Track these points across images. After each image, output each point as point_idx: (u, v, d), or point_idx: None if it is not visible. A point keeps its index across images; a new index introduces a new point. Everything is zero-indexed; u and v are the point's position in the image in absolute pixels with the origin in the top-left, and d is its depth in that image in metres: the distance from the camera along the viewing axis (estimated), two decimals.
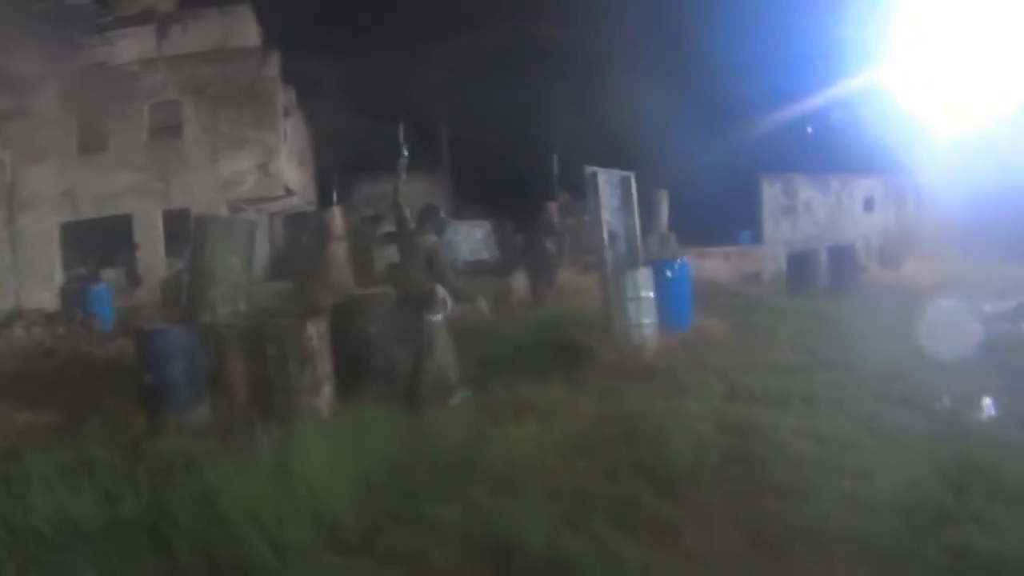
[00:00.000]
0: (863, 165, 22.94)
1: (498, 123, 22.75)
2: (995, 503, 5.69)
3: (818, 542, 5.29)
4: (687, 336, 12.21)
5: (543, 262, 16.92)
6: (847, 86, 21.35)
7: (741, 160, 21.62)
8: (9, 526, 5.71)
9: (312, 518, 5.74)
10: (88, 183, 23.90)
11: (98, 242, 24.73)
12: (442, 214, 10.14)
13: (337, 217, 15.58)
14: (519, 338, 11.57)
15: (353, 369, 9.13)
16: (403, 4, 26.48)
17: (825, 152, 21.42)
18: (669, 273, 12.76)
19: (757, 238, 22.60)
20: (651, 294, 11.82)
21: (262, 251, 13.96)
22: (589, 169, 12.26)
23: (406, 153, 14.57)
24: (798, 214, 22.42)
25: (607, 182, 12.55)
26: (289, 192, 22.41)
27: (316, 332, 8.68)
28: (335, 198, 23.17)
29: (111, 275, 23.40)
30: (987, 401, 8.62)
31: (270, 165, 22.84)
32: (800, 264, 18.02)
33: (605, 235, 12.08)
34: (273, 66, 24.69)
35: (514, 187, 21.65)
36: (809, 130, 22.00)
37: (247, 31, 25.52)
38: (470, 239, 21.34)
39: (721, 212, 22.79)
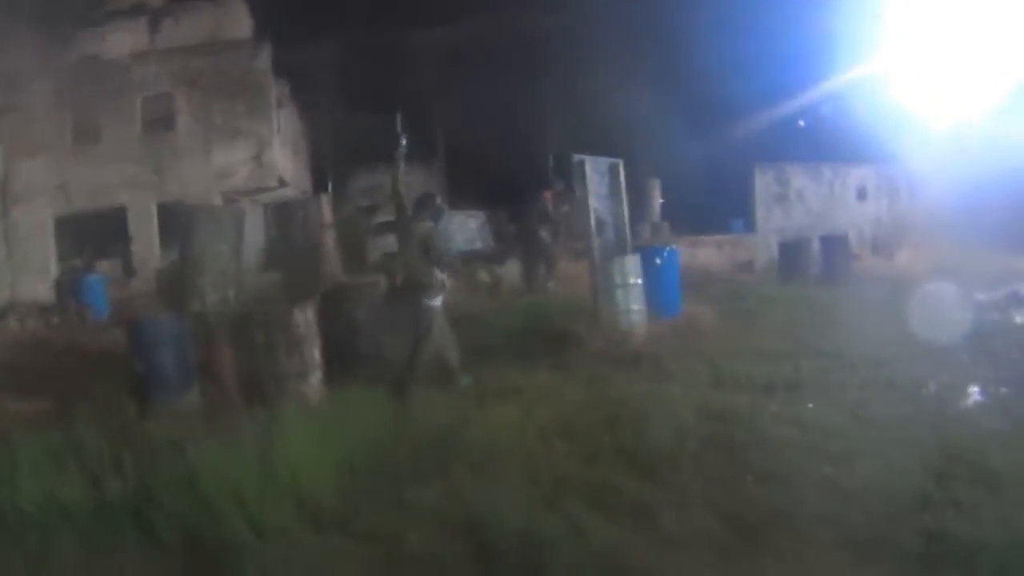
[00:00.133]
0: (856, 154, 22.93)
1: (492, 113, 22.81)
2: (976, 489, 5.71)
3: (794, 526, 5.35)
4: (676, 323, 12.27)
5: (538, 250, 16.99)
6: (841, 75, 21.36)
7: (734, 149, 21.65)
8: None
9: (293, 499, 5.81)
10: (82, 176, 23.97)
11: (93, 234, 24.80)
12: (438, 201, 10.22)
13: (324, 206, 15.63)
14: (508, 325, 11.62)
15: (342, 356, 9.20)
16: None
17: (818, 141, 21.50)
18: (657, 260, 12.83)
19: (750, 227, 22.67)
20: (639, 281, 11.89)
21: (256, 241, 14.06)
22: (576, 157, 12.33)
23: (404, 142, 14.63)
24: (791, 203, 22.50)
25: (595, 170, 12.62)
26: (283, 183, 22.52)
27: (304, 319, 8.76)
28: (328, 188, 23.17)
29: (106, 267, 23.49)
30: (973, 388, 8.62)
31: (264, 156, 22.93)
32: (792, 253, 18.09)
33: (592, 223, 12.15)
34: (265, 57, 24.74)
35: (509, 176, 21.69)
36: (801, 123, 22.01)
37: (239, 23, 25.57)
38: (464, 229, 21.38)
39: (714, 201, 22.84)
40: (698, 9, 21.12)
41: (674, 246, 14.60)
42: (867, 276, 18.00)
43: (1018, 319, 12.85)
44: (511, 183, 21.46)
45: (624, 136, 21.25)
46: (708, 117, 20.95)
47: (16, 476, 6.14)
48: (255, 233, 13.21)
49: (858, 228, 22.14)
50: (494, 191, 23.03)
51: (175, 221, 11.43)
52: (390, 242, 17.47)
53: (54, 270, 23.51)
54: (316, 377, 8.75)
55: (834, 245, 18.60)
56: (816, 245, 18.47)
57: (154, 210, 23.72)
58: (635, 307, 11.73)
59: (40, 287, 21.07)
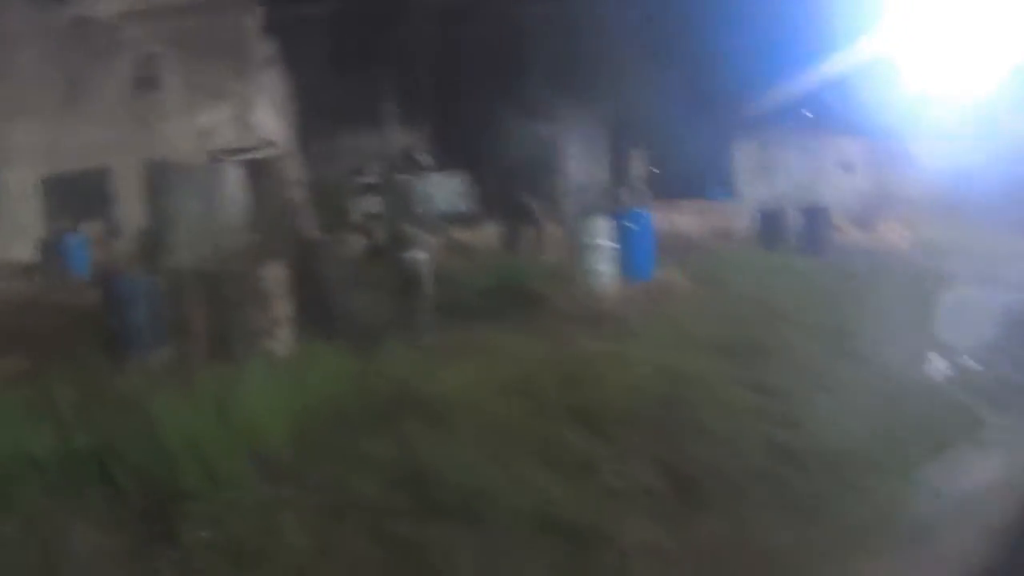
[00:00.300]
0: (843, 126, 22.81)
1: (481, 74, 22.71)
2: (923, 454, 5.89)
3: (733, 484, 5.50)
4: (648, 286, 12.37)
5: (523, 212, 17.02)
6: (831, 46, 21.18)
7: (719, 117, 21.61)
8: None
9: (249, 450, 5.95)
10: (68, 137, 23.86)
11: (79, 195, 24.77)
12: (419, 157, 10.29)
13: (295, 164, 15.67)
14: (481, 285, 11.66)
15: (314, 312, 9.32)
16: None
17: (805, 112, 21.38)
18: (631, 224, 12.89)
19: (731, 195, 22.71)
20: (611, 243, 11.98)
21: (235, 199, 14.14)
22: (549, 123, 12.44)
23: (388, 109, 14.67)
24: (773, 172, 22.53)
25: (572, 135, 12.73)
26: (268, 142, 22.52)
27: (272, 277, 8.89)
28: (311, 147, 23.10)
29: (92, 228, 23.50)
30: (934, 359, 8.79)
31: (249, 116, 22.90)
32: (771, 222, 18.21)
33: (567, 186, 12.28)
34: (253, 17, 24.64)
35: (495, 139, 21.65)
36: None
37: None
38: (448, 190, 21.42)
39: (698, 168, 22.82)
40: None
41: (649, 210, 14.66)
42: (846, 248, 18.05)
43: (987, 293, 12.92)
44: (498, 145, 21.44)
45: (610, 101, 21.24)
46: (694, 84, 20.85)
47: None
48: (234, 192, 13.28)
49: (842, 200, 22.11)
50: (481, 153, 23.01)
51: (154, 181, 11.56)
52: (374, 202, 17.52)
53: (39, 231, 23.50)
54: (285, 333, 8.87)
55: (815, 216, 18.67)
56: (797, 215, 18.57)
57: (139, 171, 23.67)
58: (606, 268, 11.82)
59: (25, 248, 21.08)
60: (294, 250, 10.04)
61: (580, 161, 13.32)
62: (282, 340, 8.81)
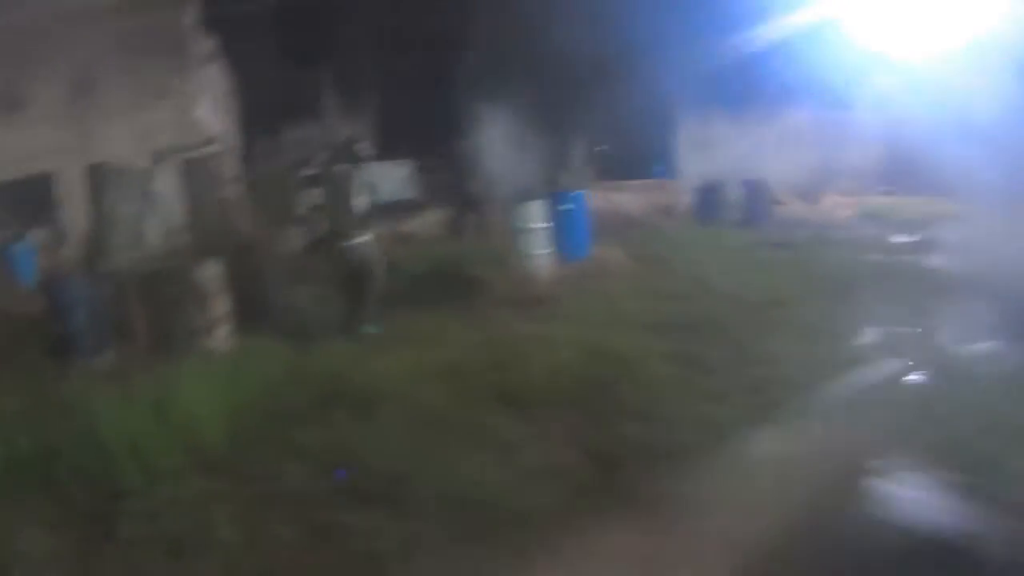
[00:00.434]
0: (787, 99, 22.93)
1: (423, 64, 22.83)
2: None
3: (654, 459, 5.71)
4: (584, 265, 12.65)
5: (466, 199, 17.19)
6: (773, 16, 21.17)
7: (660, 95, 21.80)
8: None
9: (186, 446, 6.16)
10: (8, 144, 23.72)
11: (24, 202, 24.63)
12: (357, 146, 10.40)
13: (230, 161, 15.73)
14: (420, 272, 11.88)
15: (253, 308, 9.50)
16: None
17: (746, 86, 21.53)
18: (566, 205, 13.14)
19: (673, 172, 23.00)
20: (545, 225, 12.21)
21: (175, 199, 14.19)
22: (478, 108, 12.61)
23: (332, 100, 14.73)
24: (713, 148, 22.79)
25: (498, 119, 12.91)
26: (211, 140, 22.52)
27: (209, 275, 9.06)
28: (255, 142, 23.12)
29: (38, 235, 23.40)
30: (866, 328, 8.95)
31: (190, 114, 22.87)
32: (708, 196, 18.51)
33: (498, 170, 12.47)
34: (192, 13, 24.56)
35: (441, 124, 21.80)
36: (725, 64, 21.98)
37: None
38: (392, 178, 21.58)
39: (640, 148, 23.06)
40: None
41: (586, 191, 14.88)
42: (788, 220, 18.40)
43: (927, 260, 13.18)
44: (441, 131, 21.59)
45: (551, 84, 21.43)
46: (634, 64, 21.00)
47: None
48: (172, 192, 13.38)
49: (785, 173, 22.37)
50: (425, 139, 23.14)
51: (94, 184, 11.64)
52: (317, 194, 17.58)
53: None
54: (224, 330, 9.06)
55: (755, 189, 18.96)
56: (734, 189, 18.81)
57: (82, 175, 23.53)
58: (541, 251, 12.05)
59: None
60: (231, 248, 10.16)
61: (520, 146, 13.50)
62: (221, 337, 8.99)
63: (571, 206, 13.15)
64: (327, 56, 24.03)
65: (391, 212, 17.77)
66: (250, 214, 12.99)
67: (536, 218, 12.13)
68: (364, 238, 9.74)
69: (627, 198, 20.66)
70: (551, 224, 12.34)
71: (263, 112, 24.78)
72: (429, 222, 17.75)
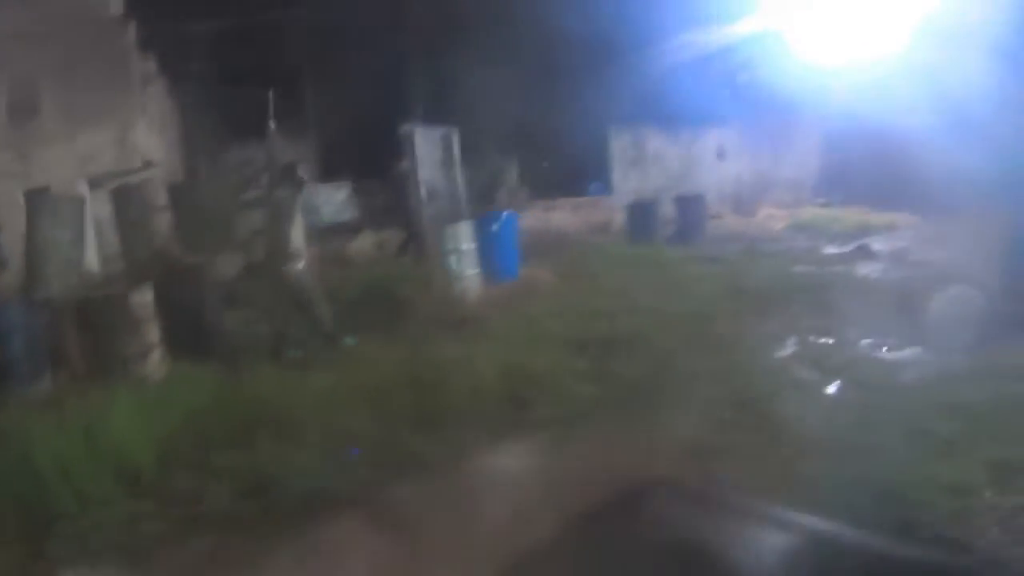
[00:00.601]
0: (722, 114, 23.10)
1: (362, 86, 23.07)
2: (755, 437, 6.46)
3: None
4: (513, 286, 12.94)
5: (408, 220, 17.36)
6: (705, 32, 21.31)
7: (594, 114, 22.11)
8: None
9: (115, 470, 6.47)
10: None
11: None
12: (299, 172, 10.63)
13: (157, 188, 15.88)
14: (350, 295, 11.93)
15: (184, 334, 9.71)
16: None
17: (677, 102, 21.75)
18: (494, 226, 13.48)
19: (607, 189, 23.40)
20: (472, 247, 12.54)
21: (108, 225, 14.29)
22: (405, 127, 12.81)
23: (273, 123, 14.95)
24: (647, 165, 23.27)
25: (426, 139, 13.12)
26: (149, 164, 22.62)
27: (140, 302, 9.29)
28: (195, 165, 23.23)
29: None
30: (789, 340, 9.33)
31: (128, 137, 22.95)
32: (640, 213, 18.71)
33: (423, 192, 12.71)
34: (131, 35, 24.61)
35: (378, 147, 22.08)
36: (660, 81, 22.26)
37: (108, 1, 25.33)
38: (332, 200, 21.79)
39: (575, 166, 23.34)
40: None
41: (516, 211, 15.19)
42: (723, 234, 18.76)
43: (858, 271, 13.65)
44: (380, 154, 21.85)
45: (485, 104, 21.70)
46: (566, 82, 21.36)
47: None
48: (105, 218, 13.54)
49: (719, 188, 22.79)
50: (365, 162, 23.36)
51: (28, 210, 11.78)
52: (257, 218, 17.72)
53: None
54: (156, 356, 9.28)
55: (688, 205, 19.31)
56: (667, 205, 19.18)
57: (20, 199, 23.42)
58: (468, 272, 12.38)
59: None
60: (162, 274, 10.33)
61: (455, 166, 13.82)
62: (154, 364, 9.20)
63: (498, 227, 13.42)
64: (270, 79, 24.17)
65: (329, 234, 18.01)
66: (187, 239, 13.16)
67: (464, 240, 12.42)
68: (301, 264, 10.01)
69: (562, 216, 20.99)
70: (479, 245, 12.62)
71: (205, 134, 24.89)
72: (366, 244, 17.96)
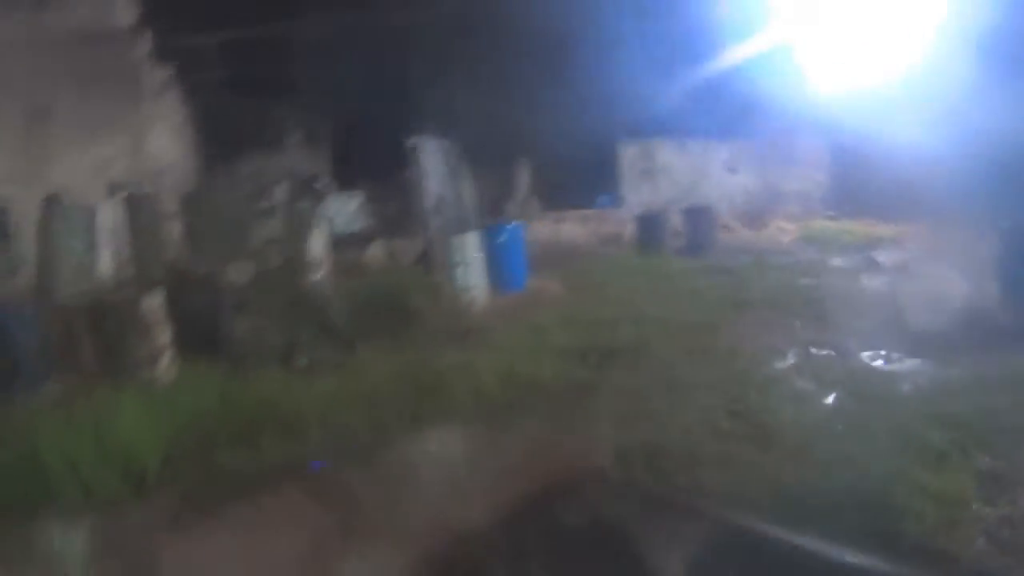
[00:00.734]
0: (733, 127, 23.10)
1: (374, 94, 23.18)
2: (751, 446, 6.48)
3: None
4: (520, 297, 13.06)
5: (422, 229, 17.43)
6: (718, 46, 21.27)
7: (605, 126, 22.18)
8: None
9: (122, 468, 6.60)
10: None
11: None
12: (317, 185, 10.74)
13: (166, 197, 16.03)
14: (359, 303, 11.91)
15: (196, 339, 9.85)
16: None
17: (687, 114, 21.81)
18: (500, 237, 13.60)
19: (617, 202, 23.50)
20: (479, 257, 12.65)
21: (119, 232, 14.43)
22: (410, 140, 12.92)
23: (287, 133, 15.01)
24: (657, 177, 23.33)
25: (434, 150, 13.23)
26: (163, 172, 22.82)
27: (151, 306, 9.44)
28: (211, 174, 23.41)
29: None
30: (789, 352, 9.34)
31: (144, 145, 23.17)
32: (649, 225, 18.80)
33: (430, 203, 12.81)
34: (146, 45, 24.82)
35: (391, 155, 22.20)
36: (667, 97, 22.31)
37: (122, 10, 25.56)
38: (344, 210, 21.89)
39: (586, 178, 23.38)
40: None
41: (524, 222, 15.25)
42: (731, 246, 18.71)
43: (863, 283, 13.65)
44: (392, 163, 21.96)
45: (496, 115, 21.80)
46: (577, 93, 21.42)
47: None
48: (122, 224, 13.68)
49: (729, 200, 22.84)
50: (377, 171, 23.49)
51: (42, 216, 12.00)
52: (273, 227, 17.82)
53: None
54: (166, 359, 9.42)
55: (698, 217, 19.37)
56: (677, 217, 19.25)
57: (36, 205, 23.58)
58: (475, 282, 12.48)
59: None
60: (173, 281, 10.46)
61: (466, 177, 13.93)
62: (163, 367, 9.35)
63: (504, 239, 13.49)
64: (285, 88, 24.35)
65: (343, 243, 18.10)
66: (199, 246, 13.28)
67: (472, 250, 12.50)
68: (320, 274, 10.13)
69: (572, 227, 21.06)
70: (486, 256, 12.70)
71: (221, 143, 25.06)
72: (378, 252, 18.05)
